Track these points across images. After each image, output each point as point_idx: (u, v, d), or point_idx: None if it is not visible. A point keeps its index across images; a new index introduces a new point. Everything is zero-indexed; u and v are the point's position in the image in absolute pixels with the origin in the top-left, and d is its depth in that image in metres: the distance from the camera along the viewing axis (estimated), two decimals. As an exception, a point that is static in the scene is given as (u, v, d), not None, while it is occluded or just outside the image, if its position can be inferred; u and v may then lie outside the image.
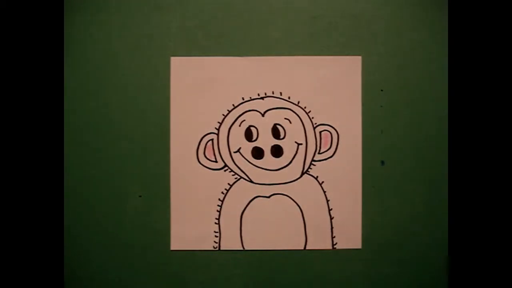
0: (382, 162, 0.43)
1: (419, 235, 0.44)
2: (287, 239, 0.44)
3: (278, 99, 0.44)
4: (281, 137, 0.44)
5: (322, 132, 0.44)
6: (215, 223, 0.44)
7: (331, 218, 0.44)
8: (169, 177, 0.44)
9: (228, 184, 0.44)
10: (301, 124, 0.44)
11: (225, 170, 0.44)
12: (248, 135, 0.44)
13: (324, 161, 0.44)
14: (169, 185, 0.44)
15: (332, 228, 0.44)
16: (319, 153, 0.44)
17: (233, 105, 0.44)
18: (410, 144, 0.42)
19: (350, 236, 0.44)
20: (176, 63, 0.44)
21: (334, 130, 0.43)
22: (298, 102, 0.44)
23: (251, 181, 0.44)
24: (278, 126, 0.44)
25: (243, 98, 0.44)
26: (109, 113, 0.44)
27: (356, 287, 0.44)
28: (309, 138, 0.44)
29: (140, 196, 0.44)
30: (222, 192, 0.44)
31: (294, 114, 0.44)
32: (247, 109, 0.44)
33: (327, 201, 0.44)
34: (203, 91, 0.44)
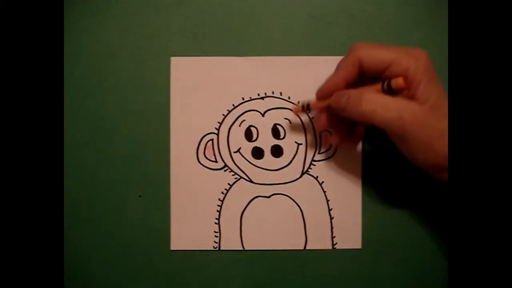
0: (383, 162, 0.43)
1: (419, 235, 0.44)
2: (287, 239, 0.44)
3: (278, 99, 0.44)
4: (281, 137, 0.44)
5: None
6: (215, 223, 0.44)
7: (331, 218, 0.44)
8: (169, 177, 0.44)
9: (228, 184, 0.44)
10: (301, 124, 0.44)
11: (225, 170, 0.44)
12: (248, 135, 0.44)
13: (324, 161, 0.44)
14: (169, 185, 0.44)
15: (332, 228, 0.44)
16: (319, 153, 0.44)
17: (233, 105, 0.44)
18: (410, 144, 0.42)
19: (350, 236, 0.44)
20: (176, 63, 0.44)
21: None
22: (298, 102, 0.44)
23: (251, 181, 0.44)
24: (278, 126, 0.44)
25: (243, 98, 0.44)
26: (109, 113, 0.44)
27: (356, 287, 0.44)
28: (309, 138, 0.44)
29: (140, 196, 0.44)
30: (222, 192, 0.44)
31: (294, 114, 0.44)
32: (247, 109, 0.44)
33: (327, 201, 0.44)
34: (203, 91, 0.44)
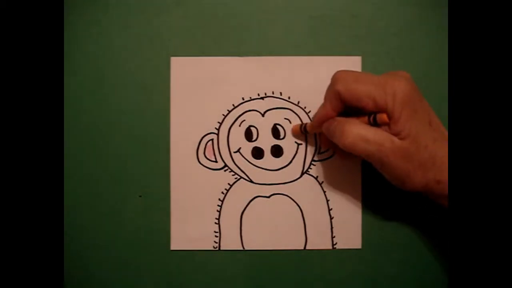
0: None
1: (419, 235, 0.44)
2: (287, 239, 0.44)
3: (278, 99, 0.44)
4: (281, 137, 0.44)
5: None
6: (215, 223, 0.44)
7: (331, 218, 0.44)
8: (169, 177, 0.44)
9: (228, 184, 0.44)
10: (301, 124, 0.44)
11: (225, 170, 0.44)
12: (248, 135, 0.44)
13: (324, 161, 0.44)
14: (169, 185, 0.44)
15: (332, 228, 0.44)
16: (319, 153, 0.44)
17: (233, 105, 0.44)
18: (410, 144, 0.42)
19: (350, 236, 0.44)
20: (176, 63, 0.44)
21: (334, 130, 0.43)
22: (298, 102, 0.44)
23: (251, 181, 0.44)
24: (278, 126, 0.44)
25: (243, 98, 0.44)
26: (109, 113, 0.44)
27: (356, 287, 0.44)
28: (309, 138, 0.44)
29: (140, 196, 0.44)
30: (222, 192, 0.44)
31: (294, 114, 0.44)
32: (247, 109, 0.44)
33: (327, 201, 0.44)
34: (203, 91, 0.44)
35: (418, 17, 0.44)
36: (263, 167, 0.44)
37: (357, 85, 0.36)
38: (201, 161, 0.44)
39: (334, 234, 0.44)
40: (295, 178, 0.44)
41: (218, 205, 0.44)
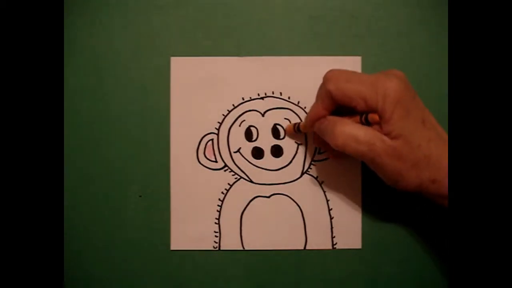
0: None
1: (419, 235, 0.44)
2: (287, 239, 0.44)
3: (278, 99, 0.44)
4: (281, 137, 0.44)
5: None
6: (215, 223, 0.44)
7: (331, 218, 0.44)
8: (169, 177, 0.44)
9: (228, 184, 0.44)
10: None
11: (225, 170, 0.44)
12: (248, 135, 0.44)
13: (324, 161, 0.44)
14: (169, 185, 0.44)
15: (332, 228, 0.44)
16: (319, 153, 0.44)
17: (233, 105, 0.44)
18: (410, 144, 0.42)
19: (350, 236, 0.44)
20: (176, 63, 0.44)
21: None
22: (298, 102, 0.44)
23: (251, 181, 0.44)
24: (278, 126, 0.44)
25: (243, 98, 0.44)
26: (109, 113, 0.44)
27: (356, 287, 0.44)
28: (309, 138, 0.44)
29: (140, 196, 0.44)
30: (222, 192, 0.44)
31: (294, 114, 0.44)
32: (247, 109, 0.44)
33: (327, 201, 0.44)
34: (203, 91, 0.44)
35: (418, 17, 0.44)
36: (263, 167, 0.44)
37: (348, 84, 0.36)
38: (201, 161, 0.44)
39: (334, 234, 0.44)
40: (295, 178, 0.44)
41: (218, 205, 0.44)
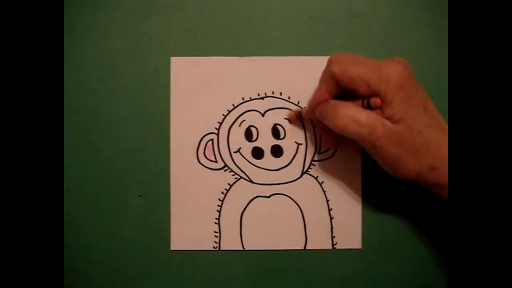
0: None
1: (419, 235, 0.44)
2: (287, 239, 0.44)
3: (278, 99, 0.44)
4: (281, 137, 0.44)
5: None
6: (215, 223, 0.44)
7: (331, 218, 0.44)
8: (169, 177, 0.44)
9: (228, 184, 0.44)
10: (301, 124, 0.44)
11: (225, 170, 0.44)
12: (248, 135, 0.44)
13: (324, 161, 0.44)
14: (169, 185, 0.44)
15: (332, 228, 0.44)
16: (319, 153, 0.44)
17: (233, 105, 0.44)
18: (410, 144, 0.42)
19: (350, 236, 0.44)
20: (176, 63, 0.44)
21: (334, 130, 0.43)
22: (298, 102, 0.44)
23: (251, 181, 0.44)
24: (278, 126, 0.44)
25: (243, 98, 0.44)
26: (109, 113, 0.44)
27: (356, 287, 0.44)
28: (309, 138, 0.44)
29: (140, 196, 0.44)
30: (222, 192, 0.44)
31: (294, 114, 0.44)
32: (247, 109, 0.44)
33: (327, 201, 0.44)
34: (203, 91, 0.44)
35: (418, 17, 0.44)
36: (263, 167, 0.44)
37: (352, 67, 0.36)
38: (201, 161, 0.44)
39: (334, 234, 0.44)
40: (295, 178, 0.44)
41: (218, 205, 0.44)
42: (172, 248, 0.44)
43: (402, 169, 0.36)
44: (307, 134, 0.44)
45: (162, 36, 0.44)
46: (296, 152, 0.44)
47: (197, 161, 0.44)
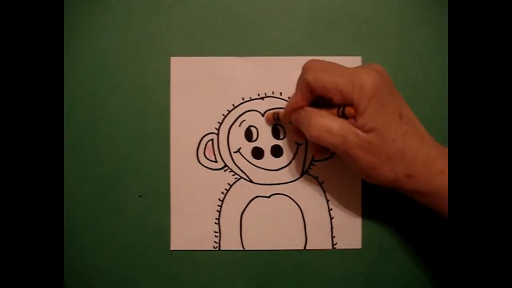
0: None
1: (419, 235, 0.44)
2: (287, 239, 0.44)
3: (278, 99, 0.44)
4: (281, 137, 0.44)
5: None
6: (215, 223, 0.44)
7: (331, 218, 0.44)
8: (169, 177, 0.44)
9: (228, 184, 0.44)
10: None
11: (225, 170, 0.44)
12: (248, 135, 0.44)
13: (324, 161, 0.44)
14: (169, 185, 0.44)
15: (332, 228, 0.44)
16: (319, 153, 0.44)
17: (233, 105, 0.44)
18: (410, 144, 0.42)
19: (350, 236, 0.44)
20: (176, 63, 0.44)
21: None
22: (272, 111, 0.44)
23: (251, 181, 0.44)
24: (278, 126, 0.44)
25: (243, 98, 0.44)
26: (109, 113, 0.44)
27: (356, 287, 0.44)
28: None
29: (140, 196, 0.44)
30: (222, 192, 0.44)
31: (294, 114, 0.44)
32: (247, 109, 0.44)
33: (327, 201, 0.44)
34: (203, 91, 0.44)
35: (418, 17, 0.44)
36: (263, 167, 0.44)
37: (326, 75, 0.36)
38: (201, 161, 0.44)
39: (334, 234, 0.44)
40: (295, 178, 0.44)
41: (218, 205, 0.44)
42: (172, 248, 0.44)
43: (378, 176, 0.36)
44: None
45: (162, 36, 0.44)
46: (296, 152, 0.44)
47: (197, 161, 0.44)
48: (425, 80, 0.44)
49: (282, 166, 0.44)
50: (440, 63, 0.44)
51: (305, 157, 0.44)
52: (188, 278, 0.44)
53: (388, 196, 0.44)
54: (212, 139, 0.44)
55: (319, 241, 0.44)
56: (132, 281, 0.44)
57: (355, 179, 0.44)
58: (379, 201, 0.44)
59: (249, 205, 0.44)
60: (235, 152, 0.44)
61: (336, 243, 0.44)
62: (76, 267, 0.43)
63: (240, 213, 0.44)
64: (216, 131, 0.44)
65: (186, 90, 0.44)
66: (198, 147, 0.44)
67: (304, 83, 0.38)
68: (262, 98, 0.44)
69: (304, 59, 0.44)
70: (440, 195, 0.35)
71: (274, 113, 0.43)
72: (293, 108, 0.39)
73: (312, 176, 0.44)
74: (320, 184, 0.44)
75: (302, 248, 0.44)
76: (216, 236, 0.44)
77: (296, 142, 0.44)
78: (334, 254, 0.44)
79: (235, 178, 0.44)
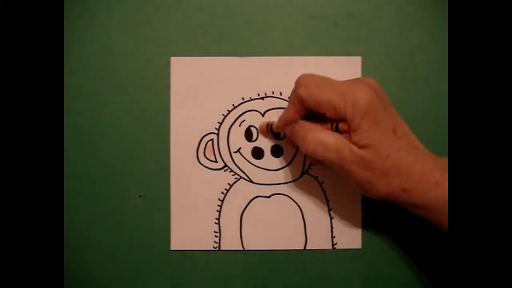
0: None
1: (419, 235, 0.44)
2: (287, 239, 0.44)
3: (278, 99, 0.44)
4: (281, 137, 0.44)
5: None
6: (215, 223, 0.44)
7: (331, 218, 0.44)
8: (169, 177, 0.44)
9: (228, 184, 0.44)
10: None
11: (225, 170, 0.44)
12: (248, 135, 0.44)
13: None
14: (169, 185, 0.44)
15: (332, 228, 0.44)
16: (319, 153, 0.44)
17: (233, 105, 0.44)
18: (410, 144, 0.42)
19: (350, 236, 0.44)
20: (176, 63, 0.44)
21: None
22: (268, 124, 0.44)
23: (251, 181, 0.44)
24: (278, 126, 0.44)
25: (243, 98, 0.44)
26: (109, 113, 0.44)
27: (356, 287, 0.44)
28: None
29: (140, 196, 0.44)
30: (222, 192, 0.44)
31: (294, 114, 0.44)
32: (247, 109, 0.44)
33: (327, 201, 0.44)
34: (203, 91, 0.44)
35: (418, 17, 0.44)
36: (263, 167, 0.44)
37: (318, 91, 0.36)
38: (201, 161, 0.44)
39: (334, 234, 0.44)
40: (295, 178, 0.44)
41: (218, 205, 0.44)
42: (172, 248, 0.44)
43: (373, 190, 0.36)
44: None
45: (162, 36, 0.44)
46: (296, 152, 0.44)
47: (197, 161, 0.44)
48: (425, 80, 0.44)
49: (282, 166, 0.44)
50: (440, 63, 0.44)
51: (305, 157, 0.44)
52: (188, 278, 0.44)
53: (388, 196, 0.44)
54: (212, 139, 0.44)
55: (319, 241, 0.44)
56: (132, 281, 0.44)
57: (355, 179, 0.44)
58: (379, 201, 0.44)
59: (249, 205, 0.44)
60: (235, 152, 0.44)
61: (336, 243, 0.44)
62: (76, 267, 0.43)
63: (240, 213, 0.44)
64: (216, 131, 0.44)
65: (186, 90, 0.44)
66: (198, 147, 0.44)
67: (297, 98, 0.37)
68: (262, 98, 0.44)
69: (304, 59, 0.44)
70: (435, 207, 0.35)
71: (268, 124, 0.43)
72: (287, 122, 0.39)
73: (312, 176, 0.44)
74: (320, 184, 0.44)
75: (302, 248, 0.44)
76: (216, 236, 0.44)
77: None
78: (334, 254, 0.44)
79: (235, 178, 0.44)
